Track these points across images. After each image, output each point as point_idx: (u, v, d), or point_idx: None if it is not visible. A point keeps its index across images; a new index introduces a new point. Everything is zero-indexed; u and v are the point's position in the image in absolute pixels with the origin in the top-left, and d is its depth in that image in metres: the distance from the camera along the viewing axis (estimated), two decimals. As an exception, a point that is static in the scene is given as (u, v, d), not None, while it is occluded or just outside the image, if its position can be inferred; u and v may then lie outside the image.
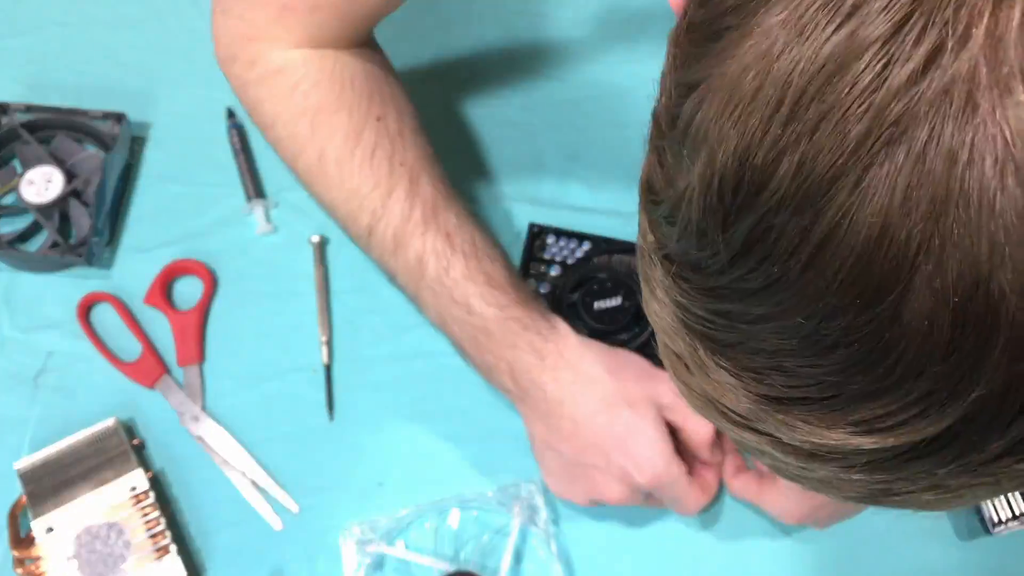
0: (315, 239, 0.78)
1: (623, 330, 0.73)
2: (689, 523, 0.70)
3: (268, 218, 0.79)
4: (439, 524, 0.69)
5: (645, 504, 0.66)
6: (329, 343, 0.75)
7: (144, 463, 0.70)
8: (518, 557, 0.68)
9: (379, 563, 0.68)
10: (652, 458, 0.62)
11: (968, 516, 0.70)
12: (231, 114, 0.83)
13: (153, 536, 0.67)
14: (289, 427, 0.72)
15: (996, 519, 0.69)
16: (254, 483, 0.71)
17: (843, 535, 0.69)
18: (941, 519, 0.70)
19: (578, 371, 0.64)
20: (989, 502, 0.69)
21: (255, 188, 0.80)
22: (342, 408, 0.73)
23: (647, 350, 0.73)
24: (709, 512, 0.70)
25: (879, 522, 0.70)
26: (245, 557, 0.69)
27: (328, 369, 0.74)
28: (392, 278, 0.68)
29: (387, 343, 0.75)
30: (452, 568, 0.66)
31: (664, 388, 0.63)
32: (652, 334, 0.72)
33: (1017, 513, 0.69)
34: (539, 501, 0.68)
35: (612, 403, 0.63)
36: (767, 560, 0.69)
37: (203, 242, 0.78)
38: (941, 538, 0.70)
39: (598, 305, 0.73)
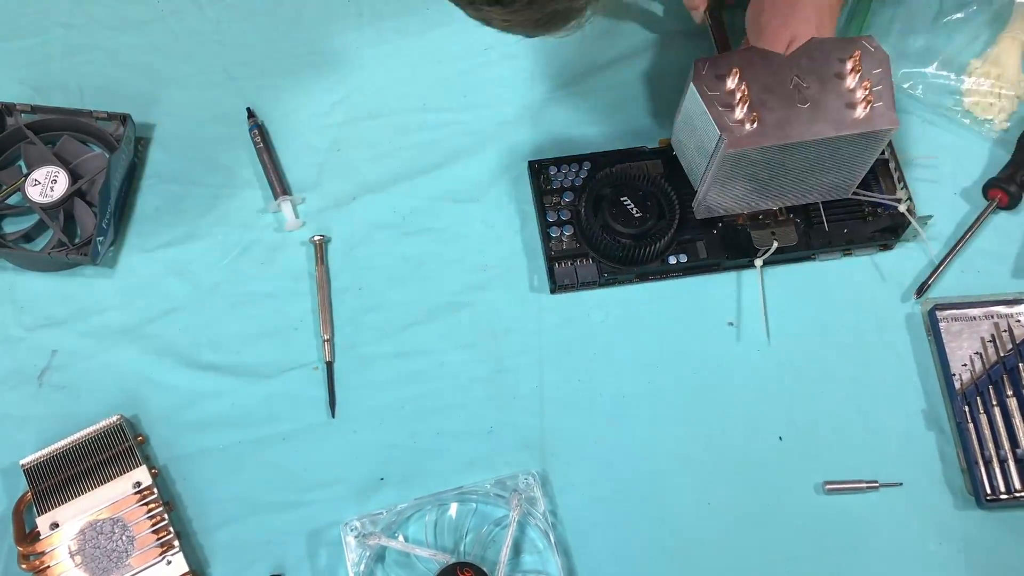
0: (316, 239, 0.79)
1: (659, 217, 0.76)
2: (686, 514, 0.70)
3: (296, 214, 0.80)
4: (439, 517, 0.69)
5: None
6: (330, 341, 0.76)
7: (148, 460, 0.71)
8: (517, 548, 0.68)
9: (380, 556, 0.68)
10: None
11: (962, 490, 0.71)
12: (251, 114, 0.83)
13: (156, 531, 0.67)
14: (291, 423, 0.73)
15: (989, 492, 0.69)
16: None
17: (834, 509, 0.70)
18: (940, 489, 0.71)
19: None
20: (986, 476, 0.69)
21: (281, 185, 0.80)
22: (343, 405, 0.74)
23: (689, 219, 0.77)
24: (703, 499, 0.71)
25: (874, 494, 0.71)
26: (247, 551, 0.69)
27: (330, 366, 0.75)
28: None
29: (387, 341, 0.76)
30: (452, 560, 0.66)
31: None
32: (680, 216, 0.76)
33: (1012, 489, 0.69)
34: (537, 493, 0.69)
35: None
36: (763, 543, 0.70)
37: (206, 242, 0.79)
38: (935, 510, 0.71)
39: (632, 210, 0.76)
